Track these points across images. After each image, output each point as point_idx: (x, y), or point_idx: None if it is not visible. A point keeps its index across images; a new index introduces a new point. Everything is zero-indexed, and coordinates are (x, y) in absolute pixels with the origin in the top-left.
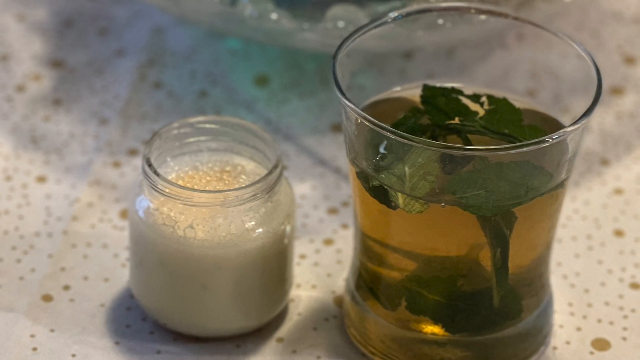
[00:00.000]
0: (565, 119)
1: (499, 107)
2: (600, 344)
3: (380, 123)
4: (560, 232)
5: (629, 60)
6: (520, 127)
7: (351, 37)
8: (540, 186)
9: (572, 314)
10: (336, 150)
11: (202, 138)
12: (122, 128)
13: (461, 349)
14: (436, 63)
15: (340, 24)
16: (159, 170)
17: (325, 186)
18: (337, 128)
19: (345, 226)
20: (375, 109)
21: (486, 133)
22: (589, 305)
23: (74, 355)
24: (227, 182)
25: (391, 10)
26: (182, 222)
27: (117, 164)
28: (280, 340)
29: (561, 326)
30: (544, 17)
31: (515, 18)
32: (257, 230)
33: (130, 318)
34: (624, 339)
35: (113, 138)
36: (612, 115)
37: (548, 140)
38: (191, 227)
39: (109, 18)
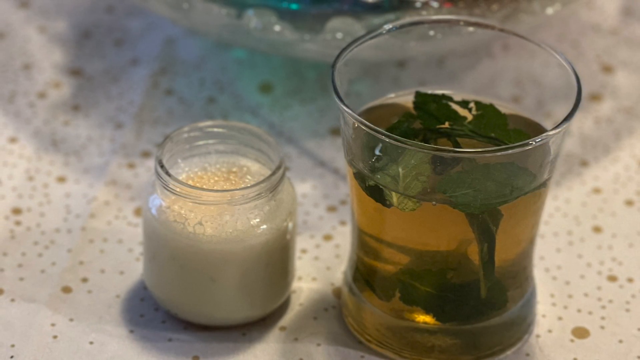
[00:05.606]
0: (547, 124)
1: (486, 112)
2: (580, 332)
3: (375, 127)
4: (542, 228)
5: (607, 69)
6: (506, 131)
7: (349, 48)
8: (524, 186)
9: (553, 304)
10: (335, 153)
11: (211, 141)
12: (136, 132)
13: (451, 336)
14: (428, 71)
15: (339, 35)
16: (171, 171)
17: (324, 186)
18: (335, 132)
19: (343, 223)
20: (371, 114)
21: (474, 136)
22: (570, 296)
23: (91, 343)
24: (233, 182)
25: (386, 22)
26: (192, 219)
27: (131, 165)
28: (283, 328)
29: (544, 316)
30: (528, 28)
31: (501, 30)
32: (261, 227)
33: (144, 308)
34: (602, 327)
35: (128, 141)
36: (591, 120)
37: (531, 143)
38: (200, 223)
39: (124, 30)
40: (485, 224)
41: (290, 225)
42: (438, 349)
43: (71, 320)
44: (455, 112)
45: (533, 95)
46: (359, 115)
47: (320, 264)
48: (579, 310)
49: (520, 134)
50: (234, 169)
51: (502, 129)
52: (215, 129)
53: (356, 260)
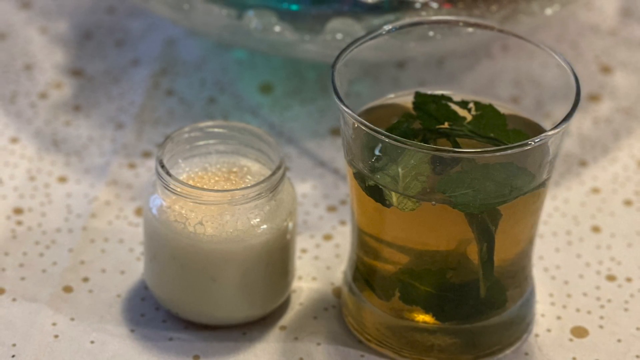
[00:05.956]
0: (546, 124)
1: (485, 112)
2: (579, 332)
3: (375, 127)
4: (541, 228)
5: (605, 70)
6: (505, 131)
7: (349, 48)
8: (524, 186)
9: (552, 303)
10: (335, 153)
11: (211, 141)
12: (137, 132)
13: (450, 336)
14: (427, 72)
15: (339, 36)
16: (171, 171)
17: (324, 186)
18: (335, 132)
19: (343, 223)
20: (370, 114)
21: (473, 137)
22: (568, 295)
23: (92, 342)
24: (234, 182)
25: (385, 23)
26: (193, 219)
27: (132, 165)
28: (283, 328)
29: (543, 315)
30: (527, 29)
31: (500, 30)
32: (261, 227)
33: (145, 308)
34: (601, 327)
35: (129, 141)
36: (590, 120)
37: (531, 144)
38: (201, 223)
39: (125, 30)
40: (484, 223)
41: (290, 225)
42: (437, 348)
43: (72, 319)
44: (455, 113)
45: (532, 95)
46: (359, 115)
47: (320, 264)
48: (577, 310)
49: (519, 134)
50: (235, 169)
51: (501, 129)
52: (216, 129)
53: (356, 260)
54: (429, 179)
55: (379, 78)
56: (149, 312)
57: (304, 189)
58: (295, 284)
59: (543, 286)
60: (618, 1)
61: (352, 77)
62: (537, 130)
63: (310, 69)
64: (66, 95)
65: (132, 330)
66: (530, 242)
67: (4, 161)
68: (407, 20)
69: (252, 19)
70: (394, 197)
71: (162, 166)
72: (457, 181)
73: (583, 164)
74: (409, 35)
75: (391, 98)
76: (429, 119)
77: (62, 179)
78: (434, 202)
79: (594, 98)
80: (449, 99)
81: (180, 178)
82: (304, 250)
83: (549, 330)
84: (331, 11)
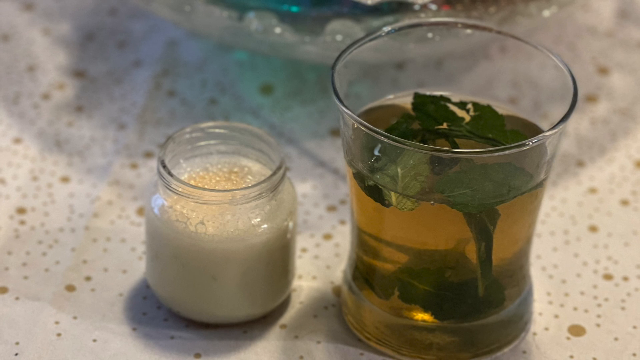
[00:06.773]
0: (544, 125)
1: (484, 113)
2: (576, 330)
3: (374, 128)
4: (539, 228)
5: (602, 71)
6: (503, 131)
7: (348, 50)
8: (522, 186)
9: (550, 302)
10: (335, 153)
11: (212, 142)
12: (139, 133)
13: (449, 334)
14: (426, 73)
15: (339, 37)
16: (173, 171)
17: (324, 186)
18: (335, 133)
19: (343, 222)
20: (370, 115)
21: (472, 137)
22: (566, 294)
23: (95, 341)
24: (235, 182)
25: (385, 25)
26: (194, 218)
27: (134, 166)
28: (283, 326)
29: (540, 314)
30: (525, 31)
31: (499, 32)
32: (262, 226)
33: (146, 306)
34: (598, 325)
35: (131, 142)
36: (587, 121)
37: (528, 144)
38: (202, 223)
39: (127, 32)
40: (482, 223)
41: (290, 224)
42: (436, 346)
43: (75, 318)
44: (453, 113)
45: (530, 96)
46: (358, 116)
47: (320, 263)
48: (575, 309)
49: (517, 135)
50: (235, 169)
51: (499, 129)
52: (217, 130)
53: (355, 259)
54: (427, 179)
55: (378, 79)
56: (150, 310)
57: (304, 189)
58: (296, 283)
59: (541, 285)
60: (615, 3)
61: (352, 78)
62: (535, 130)
63: (311, 70)
64: (69, 96)
65: (134, 329)
66: (528, 241)
67: (7, 161)
68: (406, 21)
69: (253, 21)
70: (393, 197)
71: (164, 166)
72: (455, 181)
73: (580, 164)
74: (408, 37)
75: (390, 99)
76: (427, 120)
77: (65, 179)
78: (432, 202)
79: (591, 99)
80: (448, 99)
81: (182, 178)
82: (304, 250)
83: (546, 329)
84: (331, 13)
